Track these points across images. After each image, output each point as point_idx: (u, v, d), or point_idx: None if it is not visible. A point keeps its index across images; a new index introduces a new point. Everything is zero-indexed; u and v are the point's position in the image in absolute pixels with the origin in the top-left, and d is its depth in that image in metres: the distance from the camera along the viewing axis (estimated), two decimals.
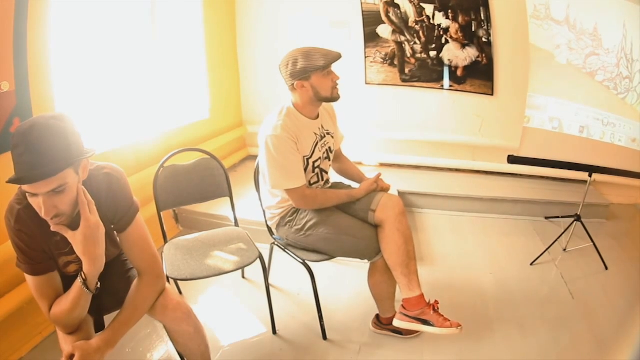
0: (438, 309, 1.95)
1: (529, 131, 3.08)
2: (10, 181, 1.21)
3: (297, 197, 2.07)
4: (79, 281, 1.36)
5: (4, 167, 1.63)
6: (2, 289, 2.02)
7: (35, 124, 1.21)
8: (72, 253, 1.47)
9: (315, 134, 2.16)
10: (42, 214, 1.27)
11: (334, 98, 2.10)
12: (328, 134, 2.24)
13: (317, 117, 2.19)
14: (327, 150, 2.24)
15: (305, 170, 2.12)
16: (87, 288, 1.36)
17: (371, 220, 2.06)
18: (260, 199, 2.32)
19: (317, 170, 2.19)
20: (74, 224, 1.35)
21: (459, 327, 1.89)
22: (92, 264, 1.35)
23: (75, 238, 1.33)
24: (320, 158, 2.19)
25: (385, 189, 2.22)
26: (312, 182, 2.20)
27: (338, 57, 2.03)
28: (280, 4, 4.36)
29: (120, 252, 1.76)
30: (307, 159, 2.12)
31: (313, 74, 2.00)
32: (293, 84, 2.05)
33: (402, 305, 2.00)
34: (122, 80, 3.02)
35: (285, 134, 2.00)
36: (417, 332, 2.19)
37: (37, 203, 1.26)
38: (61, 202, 1.28)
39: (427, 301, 1.97)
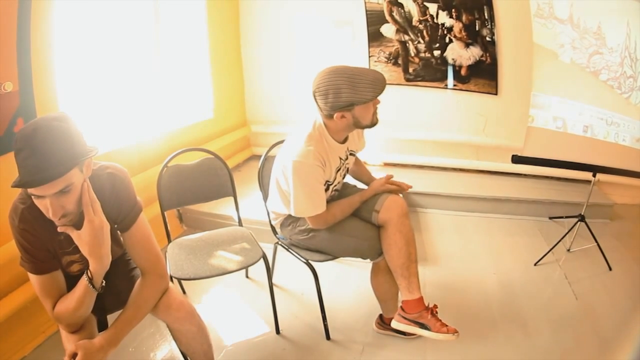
0: (436, 313, 1.94)
1: (533, 131, 3.07)
2: (16, 185, 1.21)
3: (317, 222, 2.01)
4: (84, 279, 1.36)
5: (8, 167, 1.63)
6: (6, 288, 2.02)
7: (38, 126, 1.21)
8: (75, 252, 1.47)
9: (341, 158, 2.07)
10: (50, 215, 1.27)
11: (373, 124, 1.94)
12: (351, 154, 2.17)
13: (346, 140, 2.07)
14: (345, 170, 2.17)
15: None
16: (93, 286, 1.37)
17: (374, 220, 2.04)
18: (264, 199, 2.32)
19: (334, 193, 2.15)
20: (79, 223, 1.35)
21: (456, 334, 1.86)
22: (99, 262, 1.36)
23: (80, 239, 1.34)
24: (339, 182, 2.16)
25: (392, 191, 2.15)
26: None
27: (385, 84, 1.83)
28: (284, 3, 4.35)
29: (123, 252, 1.77)
30: (329, 185, 2.06)
31: (357, 106, 1.84)
32: (332, 115, 1.87)
33: (401, 307, 1.98)
34: (126, 80, 3.03)
35: (317, 162, 1.88)
36: None
37: (43, 205, 1.27)
38: (68, 202, 1.29)
39: (426, 305, 1.95)
